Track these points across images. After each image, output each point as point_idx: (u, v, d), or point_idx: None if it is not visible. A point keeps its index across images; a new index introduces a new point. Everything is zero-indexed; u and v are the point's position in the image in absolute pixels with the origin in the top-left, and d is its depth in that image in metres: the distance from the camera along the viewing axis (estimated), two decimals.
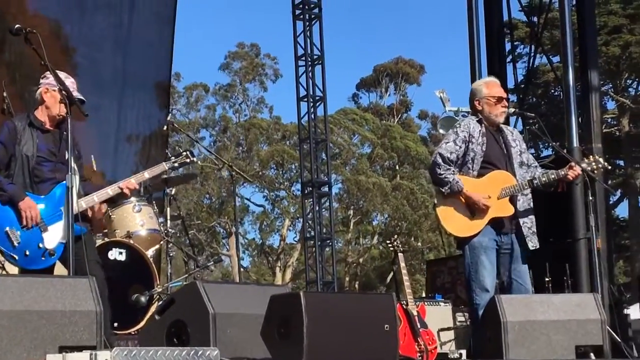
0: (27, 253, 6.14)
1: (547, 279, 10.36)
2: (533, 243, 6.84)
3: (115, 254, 8.13)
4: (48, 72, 6.28)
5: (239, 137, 38.14)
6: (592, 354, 6.10)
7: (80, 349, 4.67)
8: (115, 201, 6.92)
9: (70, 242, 5.62)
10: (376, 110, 43.89)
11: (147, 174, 6.74)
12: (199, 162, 35.71)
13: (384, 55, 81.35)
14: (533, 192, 6.98)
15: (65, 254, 5.73)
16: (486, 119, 6.94)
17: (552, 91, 31.89)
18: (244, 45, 40.50)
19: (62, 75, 6.41)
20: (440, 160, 6.84)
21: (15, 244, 6.14)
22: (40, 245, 6.20)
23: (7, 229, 6.15)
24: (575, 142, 10.52)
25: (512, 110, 7.13)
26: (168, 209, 9.32)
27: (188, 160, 6.89)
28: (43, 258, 6.19)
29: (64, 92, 5.98)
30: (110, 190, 6.55)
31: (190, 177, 12.47)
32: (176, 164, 6.87)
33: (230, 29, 69.69)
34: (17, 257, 6.12)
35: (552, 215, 9.10)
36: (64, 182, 5.92)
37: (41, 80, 6.46)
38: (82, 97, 6.46)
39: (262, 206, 38.77)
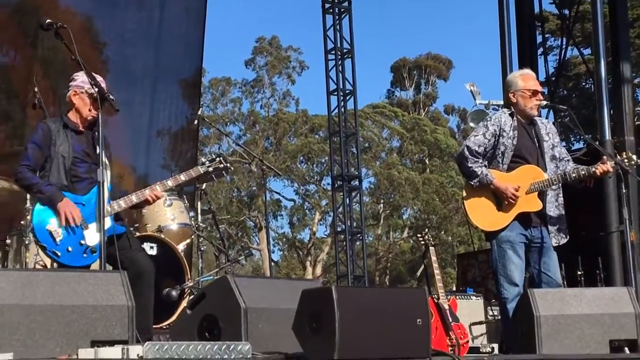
0: (70, 249, 6.18)
1: (579, 273, 10.31)
2: (557, 239, 6.80)
3: (147, 249, 8.15)
4: (76, 74, 6.32)
5: (267, 131, 38.15)
6: (626, 348, 6.04)
7: (112, 343, 4.69)
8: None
9: (102, 236, 5.65)
10: (400, 104, 43.77)
11: (182, 177, 6.76)
12: (228, 157, 35.81)
13: (411, 49, 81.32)
14: (564, 186, 6.93)
15: (109, 250, 5.77)
16: (520, 112, 6.89)
17: (583, 84, 31.67)
18: (264, 39, 40.40)
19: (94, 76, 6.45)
20: (467, 153, 6.81)
21: (58, 240, 6.18)
22: (82, 242, 6.24)
23: (49, 226, 6.20)
24: (607, 135, 10.44)
25: (544, 102, 7.06)
26: (199, 203, 9.33)
27: (222, 165, 6.93)
28: (85, 255, 6.23)
29: (94, 87, 6.00)
30: (148, 191, 6.58)
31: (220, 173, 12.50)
32: (210, 169, 6.90)
33: (253, 22, 69.65)
34: (59, 254, 6.16)
35: (584, 209, 9.05)
36: None
37: (70, 83, 6.49)
38: (112, 98, 6.50)
39: (292, 200, 38.84)
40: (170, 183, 6.72)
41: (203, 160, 7.01)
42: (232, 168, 7.48)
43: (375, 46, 62.31)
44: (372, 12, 64.94)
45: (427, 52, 45.84)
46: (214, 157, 7.01)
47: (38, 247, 6.51)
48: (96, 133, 6.24)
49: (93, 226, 6.27)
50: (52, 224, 6.20)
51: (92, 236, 6.26)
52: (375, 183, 37.71)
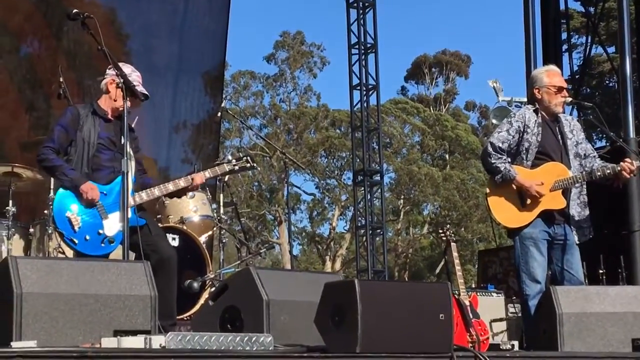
0: (87, 238, 6.22)
1: (601, 271, 10.25)
2: (580, 237, 6.77)
3: (169, 240, 8.16)
4: (121, 68, 6.32)
5: (289, 125, 38.15)
6: None
7: (134, 333, 4.70)
8: (178, 195, 6.99)
9: (126, 226, 5.68)
10: (421, 100, 43.69)
11: (208, 174, 6.77)
12: (249, 150, 35.87)
13: (432, 45, 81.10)
14: (588, 184, 6.89)
15: (131, 240, 5.80)
16: (545, 109, 6.86)
17: (607, 82, 31.55)
18: (288, 34, 40.38)
19: (128, 68, 6.51)
20: (491, 149, 6.78)
21: (76, 228, 6.22)
22: (100, 231, 6.27)
23: (69, 213, 6.24)
24: (632, 133, 10.38)
25: (569, 99, 7.03)
26: (221, 195, 9.35)
27: (248, 165, 6.94)
28: (102, 244, 6.26)
29: (120, 77, 6.03)
30: (172, 186, 6.61)
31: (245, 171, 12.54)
32: (236, 168, 6.91)
33: (275, 17, 69.61)
34: (77, 241, 6.19)
35: (606, 207, 8.99)
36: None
37: (108, 71, 6.51)
38: (146, 92, 6.53)
39: (312, 194, 38.85)
40: (207, 174, 6.73)
41: (229, 157, 7.02)
42: (258, 168, 7.48)
43: (394, 42, 62.12)
44: (393, 9, 64.79)
45: (443, 49, 45.69)
46: (240, 155, 7.02)
47: (57, 234, 6.54)
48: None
49: (113, 216, 6.30)
50: (73, 211, 6.24)
51: (111, 226, 6.30)
52: (395, 179, 37.69)
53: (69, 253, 6.87)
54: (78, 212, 6.25)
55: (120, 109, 6.27)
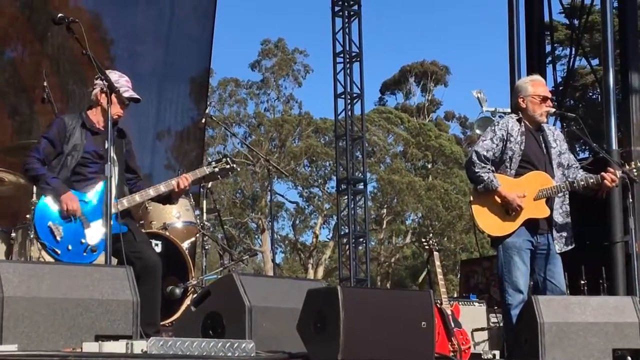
0: (70, 248, 6.20)
1: (582, 282, 10.29)
2: (561, 246, 6.78)
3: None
4: (105, 73, 6.29)
5: (272, 133, 38.13)
6: (629, 358, 6.02)
7: (116, 338, 4.69)
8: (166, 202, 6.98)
9: (108, 230, 5.66)
10: (404, 110, 43.75)
11: (189, 176, 6.75)
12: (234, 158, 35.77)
13: (410, 55, 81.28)
14: (571, 194, 6.92)
15: (114, 247, 5.77)
16: (529, 118, 6.88)
17: (590, 94, 31.68)
18: (269, 41, 40.33)
19: (116, 74, 6.49)
20: (475, 158, 6.80)
21: (58, 238, 6.20)
22: (83, 240, 6.25)
23: (50, 223, 6.22)
24: (615, 145, 10.43)
25: (552, 110, 7.06)
26: (204, 201, 9.34)
27: (228, 166, 6.91)
28: (85, 254, 6.24)
29: (105, 81, 6.02)
30: (152, 191, 6.59)
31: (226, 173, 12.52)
32: (216, 169, 6.89)
33: (262, 24, 69.66)
34: (59, 252, 6.17)
35: (588, 218, 9.03)
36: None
37: (96, 81, 6.47)
38: (137, 97, 6.51)
39: (295, 203, 38.84)
40: (182, 182, 6.68)
41: (209, 160, 7.00)
42: (238, 169, 7.47)
43: (375, 51, 62.23)
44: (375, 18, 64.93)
45: (421, 60, 45.71)
46: (220, 157, 7.01)
47: (39, 245, 6.50)
48: (115, 133, 6.27)
49: (94, 224, 6.28)
50: (55, 221, 6.21)
51: (93, 234, 6.27)
52: (378, 188, 37.71)
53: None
54: (60, 221, 6.23)
55: (114, 117, 6.23)
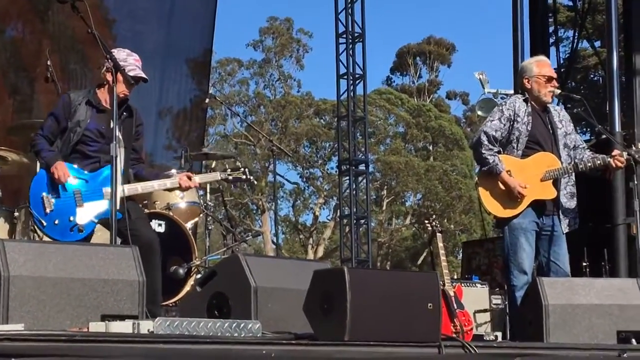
0: (56, 222, 6.19)
1: (584, 264, 10.29)
2: (564, 226, 6.78)
3: (155, 226, 8.09)
4: (113, 51, 6.26)
5: (273, 114, 38.05)
6: (633, 340, 6.02)
7: (122, 317, 4.69)
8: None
9: (113, 209, 5.64)
10: (404, 91, 43.66)
11: (197, 179, 6.72)
12: (233, 139, 35.79)
13: (415, 34, 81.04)
14: (575, 176, 6.91)
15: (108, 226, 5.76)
16: (534, 99, 6.87)
17: (592, 76, 31.65)
18: (276, 19, 40.11)
19: (124, 52, 6.47)
20: (484, 139, 6.78)
21: (48, 210, 6.20)
22: (72, 218, 6.24)
23: (44, 194, 6.23)
24: (618, 127, 10.42)
25: (557, 91, 7.04)
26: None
27: (244, 177, 6.89)
28: (71, 232, 6.22)
29: (110, 60, 5.99)
30: (156, 185, 6.57)
31: (229, 157, 12.53)
32: (230, 177, 6.87)
33: (261, 4, 69.35)
34: (45, 224, 6.17)
35: (591, 200, 9.02)
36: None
37: (105, 62, 6.44)
38: (144, 76, 6.48)
39: (296, 184, 38.83)
40: (197, 179, 6.67)
41: (226, 166, 6.96)
42: (255, 182, 7.42)
43: (379, 31, 62.04)
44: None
45: (428, 36, 45.60)
46: (238, 166, 6.96)
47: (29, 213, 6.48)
48: (124, 113, 6.26)
49: (88, 205, 6.26)
50: (49, 193, 6.21)
51: (83, 215, 6.25)
52: (376, 169, 37.68)
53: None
54: (53, 194, 6.22)
55: (121, 96, 6.21)
